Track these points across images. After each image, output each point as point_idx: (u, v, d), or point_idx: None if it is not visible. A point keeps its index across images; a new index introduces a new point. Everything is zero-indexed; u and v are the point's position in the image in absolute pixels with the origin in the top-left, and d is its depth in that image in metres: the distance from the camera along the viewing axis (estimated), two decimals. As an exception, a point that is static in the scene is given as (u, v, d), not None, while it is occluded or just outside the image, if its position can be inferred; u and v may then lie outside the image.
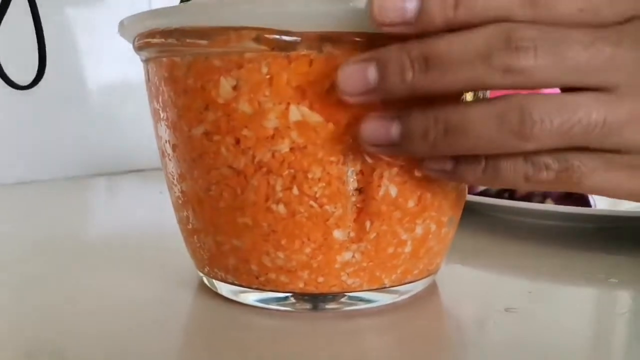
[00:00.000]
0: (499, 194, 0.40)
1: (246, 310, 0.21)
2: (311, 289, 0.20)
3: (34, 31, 0.24)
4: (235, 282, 0.21)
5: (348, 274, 0.20)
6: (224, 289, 0.22)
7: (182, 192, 0.21)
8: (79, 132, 0.59)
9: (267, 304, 0.21)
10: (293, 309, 0.21)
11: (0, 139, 0.52)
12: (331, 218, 0.19)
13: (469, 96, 0.19)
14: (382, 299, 0.21)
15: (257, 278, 0.20)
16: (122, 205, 0.49)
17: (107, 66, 0.60)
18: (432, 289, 0.24)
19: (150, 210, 0.44)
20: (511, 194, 0.40)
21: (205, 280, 0.23)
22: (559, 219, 0.35)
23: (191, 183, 0.20)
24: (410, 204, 0.19)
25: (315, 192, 0.18)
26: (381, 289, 0.21)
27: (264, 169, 0.18)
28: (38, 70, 0.25)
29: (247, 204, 0.19)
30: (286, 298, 0.21)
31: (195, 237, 0.22)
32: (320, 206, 0.19)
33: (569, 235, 0.33)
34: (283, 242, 0.19)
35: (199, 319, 0.22)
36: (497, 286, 0.25)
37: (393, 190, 0.19)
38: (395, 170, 0.19)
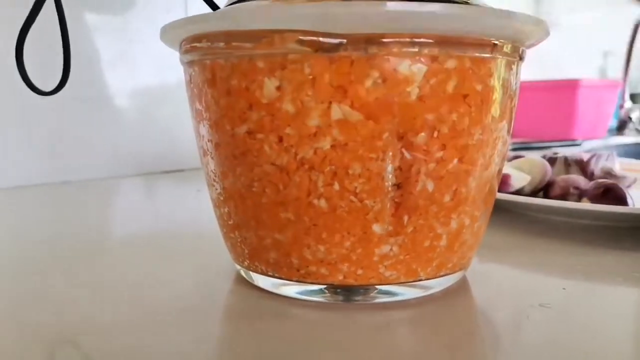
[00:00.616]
0: (533, 193, 0.40)
1: (283, 301, 0.22)
2: (350, 281, 0.21)
3: (61, 38, 0.25)
4: (275, 275, 0.22)
5: (386, 267, 0.20)
6: (263, 281, 0.23)
7: (223, 189, 0.22)
8: (118, 135, 0.60)
9: (304, 295, 0.22)
10: (327, 301, 0.21)
11: (43, 141, 0.55)
12: (370, 212, 0.19)
13: None
14: (415, 292, 0.22)
15: (297, 271, 0.21)
16: (160, 204, 0.50)
17: (144, 70, 0.62)
18: (464, 284, 0.24)
19: (187, 208, 0.45)
20: (546, 193, 0.39)
21: (242, 273, 0.24)
22: (595, 218, 0.34)
23: (233, 180, 0.21)
24: (446, 198, 0.20)
25: (356, 188, 0.19)
26: (415, 282, 0.21)
27: (306, 166, 0.19)
28: (62, 77, 0.26)
29: (290, 199, 0.20)
30: (321, 290, 0.21)
31: (236, 232, 0.22)
32: (360, 201, 0.19)
33: (604, 234, 0.33)
34: (324, 235, 0.20)
35: (237, 309, 0.22)
36: (531, 283, 0.25)
37: (430, 185, 0.20)
38: (432, 165, 0.19)
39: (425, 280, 0.22)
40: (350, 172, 0.19)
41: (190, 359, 0.17)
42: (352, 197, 0.19)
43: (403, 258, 0.20)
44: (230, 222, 0.23)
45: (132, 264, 0.28)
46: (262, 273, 0.22)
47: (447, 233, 0.21)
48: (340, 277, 0.21)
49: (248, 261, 0.23)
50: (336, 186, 0.19)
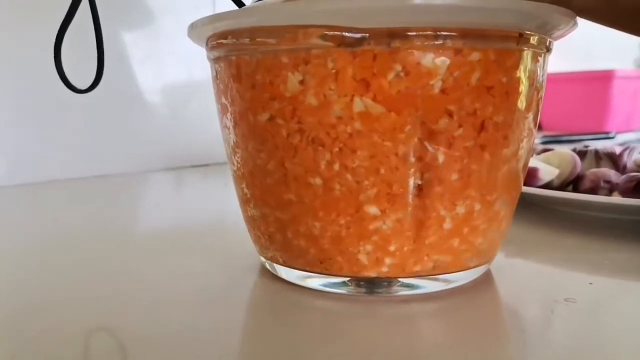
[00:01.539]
0: (562, 187, 0.39)
1: (306, 293, 0.22)
2: (372, 273, 0.21)
3: (95, 38, 0.26)
4: (298, 267, 0.22)
5: (408, 260, 0.20)
6: (287, 273, 0.23)
7: (247, 182, 0.22)
8: (147, 130, 0.62)
9: (327, 287, 0.22)
10: (350, 293, 0.22)
11: (75, 137, 0.56)
12: (393, 206, 0.19)
13: None
14: (438, 285, 0.22)
15: (320, 263, 0.21)
16: (188, 197, 0.51)
17: (172, 67, 0.63)
18: (488, 279, 0.24)
19: (215, 202, 0.46)
20: (575, 187, 0.39)
21: (267, 265, 0.24)
22: (626, 213, 0.33)
23: (256, 172, 0.22)
24: (470, 192, 0.20)
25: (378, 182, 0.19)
26: (438, 275, 0.21)
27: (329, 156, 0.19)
28: (96, 75, 0.27)
29: (311, 192, 0.20)
30: (344, 283, 0.22)
31: (260, 224, 0.23)
32: (383, 195, 0.19)
33: (634, 230, 0.32)
34: (345, 226, 0.20)
35: (261, 300, 0.23)
36: (557, 278, 0.25)
37: (454, 179, 0.20)
38: (456, 158, 0.19)
39: (448, 273, 0.22)
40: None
41: (215, 348, 0.18)
42: (375, 191, 0.19)
43: (426, 251, 0.20)
44: (253, 215, 0.23)
45: (160, 256, 0.29)
46: (286, 265, 0.23)
47: (471, 226, 0.21)
48: (363, 269, 0.21)
49: (271, 253, 0.23)
50: (354, 178, 0.19)
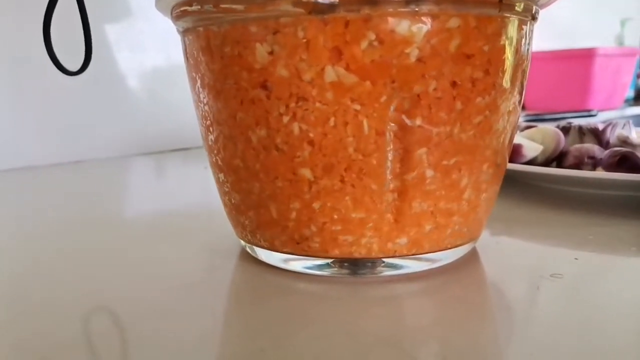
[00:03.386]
0: (546, 164, 0.38)
1: (288, 275, 0.21)
2: (353, 254, 0.20)
3: (81, 21, 0.25)
4: (278, 250, 0.21)
5: (388, 239, 0.20)
6: (268, 256, 0.22)
7: (221, 159, 0.21)
8: (126, 115, 0.61)
9: (309, 270, 0.21)
10: (333, 275, 0.21)
11: (54, 123, 0.55)
12: (370, 182, 0.19)
13: None
14: (423, 265, 0.21)
15: (298, 244, 0.20)
16: (168, 181, 0.50)
17: (150, 50, 0.62)
18: (473, 257, 0.23)
19: (195, 186, 0.45)
20: (559, 163, 0.38)
21: (247, 249, 0.24)
22: (610, 188, 0.33)
23: (228, 148, 0.21)
24: (451, 167, 0.19)
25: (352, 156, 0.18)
26: (422, 254, 0.21)
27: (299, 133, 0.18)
28: (85, 57, 0.26)
29: (283, 169, 0.19)
30: (327, 264, 0.21)
31: (235, 205, 0.22)
32: (359, 170, 0.18)
33: (618, 204, 0.32)
34: (322, 205, 0.19)
35: (242, 284, 0.22)
36: (542, 254, 0.25)
37: (433, 154, 0.19)
38: (433, 129, 0.18)
39: (433, 252, 0.21)
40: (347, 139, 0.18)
41: (195, 332, 0.17)
42: (350, 166, 0.18)
43: (407, 229, 0.20)
44: (230, 196, 0.22)
45: (140, 241, 0.28)
46: (266, 247, 0.22)
47: (454, 204, 0.20)
48: (343, 251, 0.20)
49: (250, 236, 0.22)
50: (342, 160, 0.18)
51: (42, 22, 0.25)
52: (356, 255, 0.20)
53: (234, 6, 0.17)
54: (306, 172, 0.19)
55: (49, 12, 0.25)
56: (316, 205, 0.19)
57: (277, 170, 0.19)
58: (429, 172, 0.19)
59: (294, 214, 0.20)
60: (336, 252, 0.20)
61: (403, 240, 0.20)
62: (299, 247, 0.20)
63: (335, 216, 0.19)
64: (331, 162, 0.18)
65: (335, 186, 0.19)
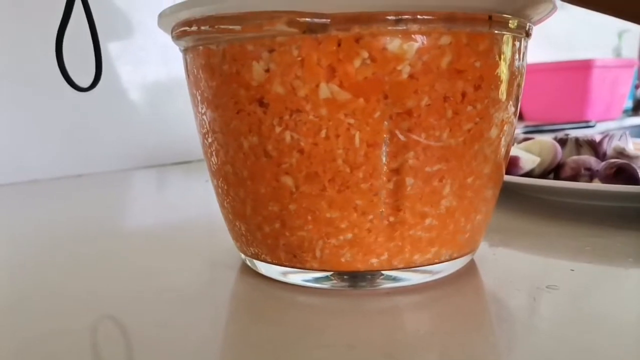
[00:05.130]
0: (543, 175, 0.39)
1: (288, 288, 0.22)
2: (351, 267, 0.20)
3: (91, 38, 0.26)
4: (277, 263, 0.22)
5: (386, 252, 0.20)
6: (268, 269, 0.22)
7: (223, 176, 0.22)
8: (128, 128, 0.61)
9: (308, 282, 0.21)
10: (333, 287, 0.21)
11: (56, 136, 0.55)
12: (366, 196, 0.19)
13: None
14: (422, 277, 0.21)
15: (294, 257, 0.21)
16: (170, 194, 0.50)
17: (152, 64, 0.62)
18: (471, 269, 0.23)
19: (196, 199, 0.46)
20: (556, 175, 0.39)
21: (248, 262, 0.24)
22: (606, 199, 0.33)
23: (229, 165, 0.21)
24: (447, 181, 0.19)
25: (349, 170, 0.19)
26: (418, 267, 0.21)
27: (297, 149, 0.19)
28: (96, 73, 0.27)
29: (282, 184, 0.19)
30: (326, 277, 0.21)
31: (237, 220, 0.22)
32: (355, 184, 0.19)
33: (615, 216, 0.32)
34: (312, 220, 0.19)
35: (242, 297, 0.22)
36: (539, 265, 0.25)
37: (428, 168, 0.19)
38: (427, 144, 0.19)
39: (431, 265, 0.21)
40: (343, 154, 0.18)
41: (195, 344, 0.17)
42: (346, 181, 0.19)
43: (401, 243, 0.20)
44: (230, 210, 0.22)
45: (141, 254, 0.28)
46: (266, 261, 0.22)
47: (450, 217, 0.20)
48: (342, 263, 0.20)
49: (252, 249, 0.22)
50: (329, 170, 0.19)
51: (55, 40, 0.25)
52: (357, 268, 0.20)
53: (231, 27, 0.18)
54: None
55: (61, 30, 0.25)
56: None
57: (273, 188, 0.20)
58: (425, 187, 0.19)
59: (294, 230, 0.20)
60: (336, 265, 0.20)
61: (400, 252, 0.20)
62: (297, 260, 0.21)
63: (331, 231, 0.20)
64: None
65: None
